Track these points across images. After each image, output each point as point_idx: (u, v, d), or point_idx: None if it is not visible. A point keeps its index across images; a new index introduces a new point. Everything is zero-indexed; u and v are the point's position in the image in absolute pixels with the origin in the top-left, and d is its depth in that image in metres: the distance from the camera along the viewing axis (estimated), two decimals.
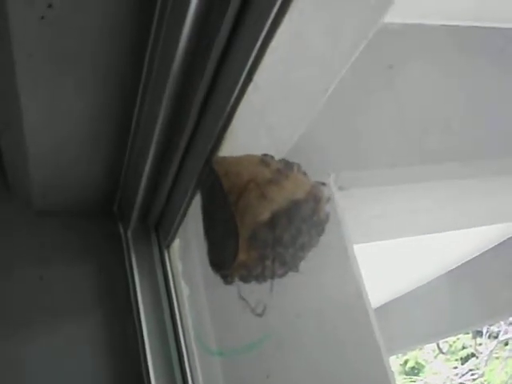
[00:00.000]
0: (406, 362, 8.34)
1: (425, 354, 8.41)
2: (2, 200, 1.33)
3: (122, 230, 1.35)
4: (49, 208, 1.34)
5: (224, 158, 0.92)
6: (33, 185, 1.25)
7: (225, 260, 0.87)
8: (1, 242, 1.30)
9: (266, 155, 0.91)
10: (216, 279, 0.89)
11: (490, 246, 3.14)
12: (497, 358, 7.82)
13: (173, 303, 1.25)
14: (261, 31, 0.73)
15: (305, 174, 0.91)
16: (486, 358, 7.84)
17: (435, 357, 8.46)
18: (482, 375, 7.81)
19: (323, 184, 0.90)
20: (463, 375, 8.05)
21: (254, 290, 0.87)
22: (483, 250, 3.17)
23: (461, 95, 1.69)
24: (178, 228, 1.21)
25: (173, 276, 1.28)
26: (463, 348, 8.11)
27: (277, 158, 0.92)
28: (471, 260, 3.25)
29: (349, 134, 1.50)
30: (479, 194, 1.86)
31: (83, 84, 0.97)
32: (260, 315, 0.87)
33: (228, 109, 0.85)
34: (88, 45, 0.89)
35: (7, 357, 1.21)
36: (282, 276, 0.87)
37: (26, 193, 1.29)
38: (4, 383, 1.19)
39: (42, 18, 0.81)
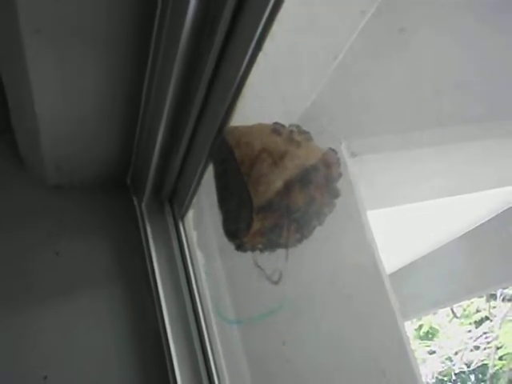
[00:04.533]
0: (420, 326, 8.39)
1: (439, 318, 8.45)
2: (17, 176, 1.34)
3: (136, 203, 1.36)
4: (62, 182, 1.35)
5: (235, 127, 0.92)
6: (45, 159, 1.25)
7: (239, 229, 0.87)
8: (16, 219, 1.31)
9: (277, 124, 0.91)
10: (231, 248, 0.89)
11: (504, 209, 3.12)
12: (511, 320, 7.84)
13: (189, 273, 1.27)
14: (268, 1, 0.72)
15: (315, 141, 0.91)
16: (500, 321, 7.86)
17: (449, 321, 8.50)
18: (497, 338, 7.84)
19: (333, 150, 0.90)
20: (477, 338, 8.09)
21: (270, 258, 0.88)
22: (496, 213, 3.15)
23: (474, 57, 1.66)
24: (191, 199, 1.22)
25: (188, 246, 1.29)
26: (477, 311, 8.13)
27: (288, 126, 0.92)
28: (485, 223, 3.23)
29: (360, 99, 1.49)
30: (493, 155, 1.84)
31: (93, 57, 0.97)
32: (276, 283, 0.88)
33: (238, 79, 0.84)
34: (96, 19, 0.89)
35: (25, 331, 1.23)
36: (296, 244, 0.87)
37: (39, 168, 1.30)
38: (23, 358, 1.22)
39: None
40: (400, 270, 3.84)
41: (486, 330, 8.05)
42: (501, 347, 7.77)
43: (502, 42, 1.70)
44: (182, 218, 1.31)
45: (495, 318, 7.96)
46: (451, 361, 8.31)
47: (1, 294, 1.24)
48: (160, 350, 1.25)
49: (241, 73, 0.84)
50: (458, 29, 1.67)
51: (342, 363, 1.32)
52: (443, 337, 8.47)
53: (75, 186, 1.36)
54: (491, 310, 8.03)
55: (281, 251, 0.88)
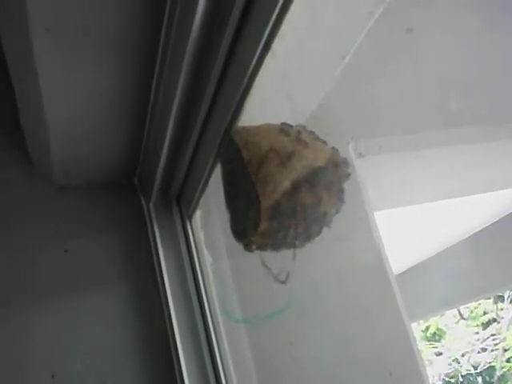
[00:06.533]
0: (427, 328, 8.38)
1: (446, 319, 8.43)
2: (26, 176, 1.34)
3: (143, 203, 1.36)
4: (71, 182, 1.36)
5: (243, 127, 0.93)
6: (54, 159, 1.26)
7: (247, 229, 0.88)
8: (25, 217, 1.32)
9: (285, 124, 0.91)
10: (239, 248, 0.90)
11: (510, 211, 3.11)
12: None
13: (197, 272, 1.27)
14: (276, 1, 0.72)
15: (323, 141, 0.91)
16: (507, 323, 7.83)
17: (456, 323, 8.48)
18: (504, 340, 7.82)
19: (336, 150, 0.90)
20: (485, 340, 8.07)
21: (277, 258, 0.88)
22: (503, 215, 3.15)
23: (480, 58, 1.66)
24: (199, 199, 1.22)
25: (196, 246, 1.29)
26: (484, 313, 8.11)
27: (295, 126, 0.92)
28: (492, 225, 3.22)
29: (367, 100, 1.49)
30: (499, 157, 1.84)
31: (101, 57, 0.97)
32: (283, 282, 0.88)
33: (246, 79, 0.85)
34: (105, 18, 0.89)
35: (33, 329, 1.24)
36: (304, 244, 0.87)
37: (47, 167, 1.30)
38: (30, 356, 1.22)
39: None
40: (407, 270, 3.84)
41: (493, 332, 8.03)
42: (508, 349, 7.76)
43: (509, 43, 1.70)
44: (190, 217, 1.31)
45: (503, 320, 7.94)
46: (458, 362, 8.29)
47: (9, 291, 1.24)
48: (167, 348, 1.25)
49: (249, 73, 0.84)
50: (466, 29, 1.66)
51: (348, 363, 1.32)
52: (450, 338, 8.45)
53: (83, 186, 1.37)
54: (499, 312, 8.00)
55: (288, 251, 0.88)
